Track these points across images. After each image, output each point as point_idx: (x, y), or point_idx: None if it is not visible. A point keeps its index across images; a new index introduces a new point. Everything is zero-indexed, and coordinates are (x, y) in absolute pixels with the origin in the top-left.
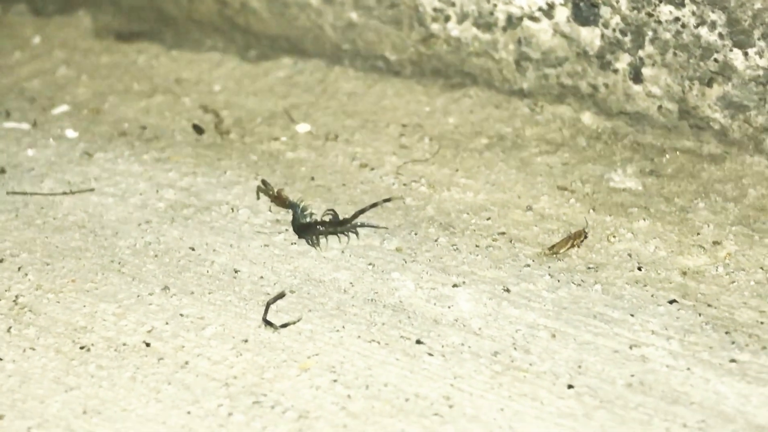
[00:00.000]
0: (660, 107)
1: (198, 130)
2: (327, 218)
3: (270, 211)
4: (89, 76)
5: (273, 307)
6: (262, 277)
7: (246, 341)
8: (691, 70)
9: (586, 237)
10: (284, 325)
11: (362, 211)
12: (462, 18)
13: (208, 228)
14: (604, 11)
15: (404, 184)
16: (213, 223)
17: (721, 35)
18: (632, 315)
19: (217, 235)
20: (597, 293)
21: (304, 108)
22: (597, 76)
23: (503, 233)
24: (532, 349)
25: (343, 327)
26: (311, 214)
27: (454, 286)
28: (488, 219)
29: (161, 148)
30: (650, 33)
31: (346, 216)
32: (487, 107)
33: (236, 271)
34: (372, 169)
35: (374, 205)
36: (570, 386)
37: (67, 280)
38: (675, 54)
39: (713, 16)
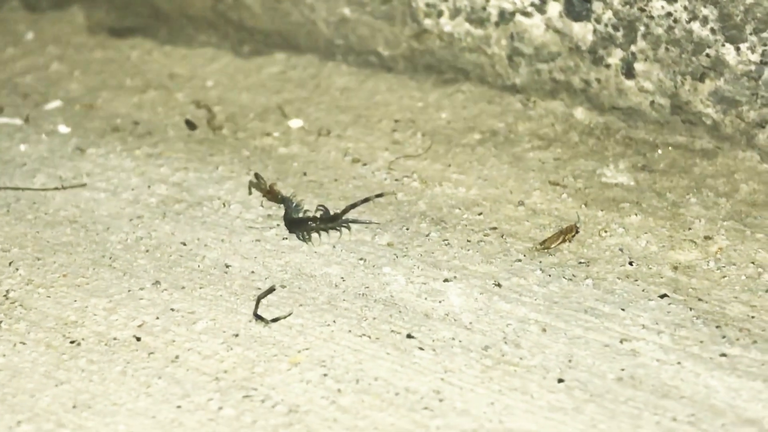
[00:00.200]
0: (652, 102)
1: (190, 125)
2: (318, 214)
3: (262, 206)
4: (82, 72)
5: (264, 301)
6: (253, 272)
7: (237, 336)
8: (683, 65)
9: (577, 232)
10: (275, 320)
11: (353, 206)
12: (455, 13)
13: (199, 223)
14: (597, 6)
15: (396, 179)
16: (204, 218)
17: (713, 30)
18: (623, 309)
19: (208, 230)
20: (588, 288)
21: (297, 103)
22: (589, 71)
23: (495, 228)
24: (523, 344)
25: (334, 321)
26: (303, 209)
27: (446, 280)
28: (480, 214)
29: (154, 144)
30: (642, 28)
31: (337, 211)
32: (480, 102)
33: (227, 266)
34: (364, 164)
35: (365, 200)
36: (560, 380)
37: (58, 275)
38: (667, 49)
39: (705, 11)
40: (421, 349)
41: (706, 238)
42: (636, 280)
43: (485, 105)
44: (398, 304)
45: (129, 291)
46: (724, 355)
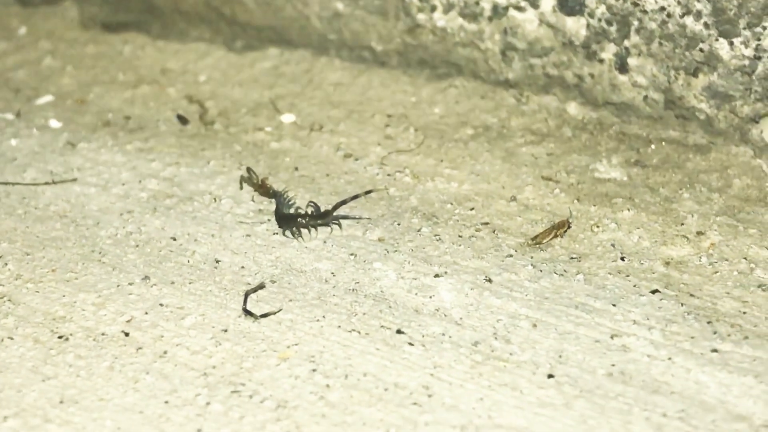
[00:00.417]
0: (645, 97)
1: (182, 120)
2: (309, 210)
3: (253, 201)
4: (74, 67)
5: (253, 296)
6: (243, 267)
7: (225, 331)
8: (676, 60)
9: (569, 227)
10: (264, 315)
11: (343, 203)
12: (448, 8)
13: (190, 218)
14: (590, 1)
15: (388, 175)
16: (195, 213)
17: (706, 25)
18: (614, 305)
19: (199, 225)
20: (579, 283)
21: (290, 98)
22: (583, 66)
23: (486, 223)
24: (513, 339)
25: (324, 317)
26: (295, 204)
27: (436, 276)
28: (472, 209)
29: (145, 139)
30: (636, 23)
31: (328, 207)
32: (473, 97)
33: (217, 261)
34: (356, 159)
35: (355, 197)
36: (550, 376)
37: (47, 270)
38: (661, 44)
39: (699, 6)
40: (411, 344)
41: (699, 233)
42: (628, 276)
43: (478, 100)
44: (388, 300)
45: (118, 286)
46: (715, 350)
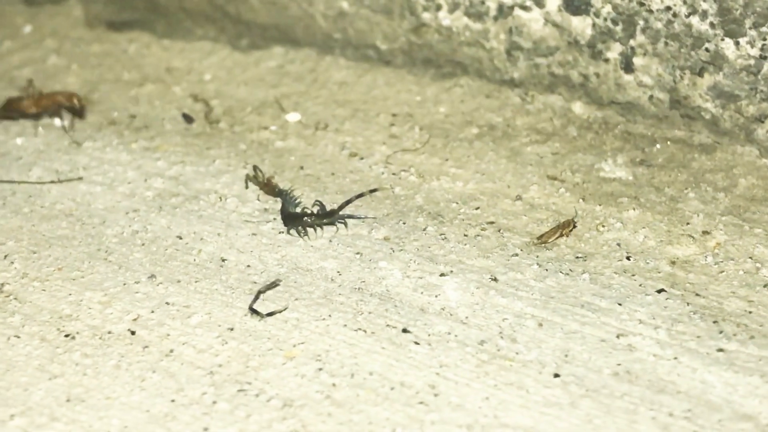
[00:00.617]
0: (651, 97)
1: (187, 119)
2: (315, 209)
3: (258, 200)
4: (80, 65)
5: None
6: (249, 266)
7: (232, 330)
8: (682, 60)
9: (575, 226)
10: (270, 314)
11: (348, 202)
12: (453, 7)
13: (195, 217)
14: (596, 0)
15: (393, 174)
16: (201, 211)
17: (712, 24)
18: (620, 304)
19: (204, 224)
20: (585, 282)
21: (295, 97)
22: (588, 65)
23: (492, 223)
24: (519, 338)
25: (330, 316)
26: (300, 203)
27: (442, 275)
28: (477, 208)
29: (150, 137)
30: (641, 22)
31: (334, 206)
32: (478, 97)
33: (223, 260)
34: (361, 158)
35: (360, 195)
36: (556, 375)
37: (53, 269)
38: (666, 43)
39: (705, 5)
40: (417, 343)
41: (704, 232)
42: (633, 275)
43: (483, 99)
44: (394, 299)
45: (124, 284)
46: (721, 350)
